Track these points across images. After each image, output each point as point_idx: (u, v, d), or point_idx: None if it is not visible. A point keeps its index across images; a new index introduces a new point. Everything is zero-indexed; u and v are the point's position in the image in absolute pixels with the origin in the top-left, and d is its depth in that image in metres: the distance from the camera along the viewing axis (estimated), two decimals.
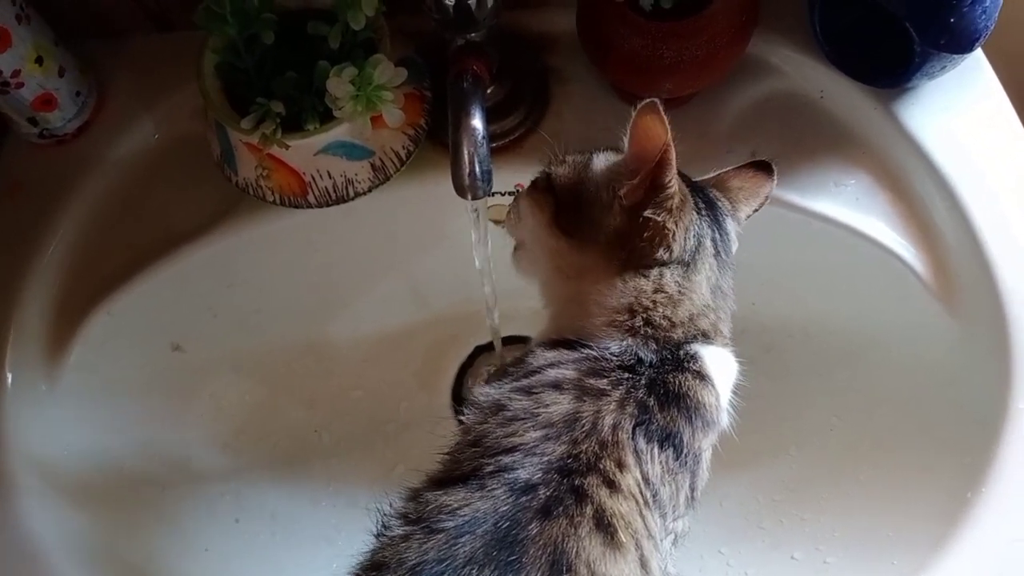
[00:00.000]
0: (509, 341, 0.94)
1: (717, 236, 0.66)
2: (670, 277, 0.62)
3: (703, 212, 0.65)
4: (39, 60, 0.78)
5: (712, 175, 0.71)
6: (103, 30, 0.87)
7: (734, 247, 0.68)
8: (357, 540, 0.90)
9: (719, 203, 0.68)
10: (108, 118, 0.86)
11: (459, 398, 0.98)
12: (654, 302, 0.61)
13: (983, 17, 0.73)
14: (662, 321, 0.61)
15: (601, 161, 0.67)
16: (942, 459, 0.77)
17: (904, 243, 0.81)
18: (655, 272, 0.62)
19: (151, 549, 0.83)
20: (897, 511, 0.79)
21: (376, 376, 0.99)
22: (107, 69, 0.87)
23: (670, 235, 0.62)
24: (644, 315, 0.61)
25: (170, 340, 0.90)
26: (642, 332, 0.61)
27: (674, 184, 0.60)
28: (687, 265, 0.63)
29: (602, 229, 0.63)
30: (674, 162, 0.59)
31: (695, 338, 0.62)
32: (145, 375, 0.89)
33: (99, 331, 0.82)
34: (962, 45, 0.75)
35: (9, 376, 0.80)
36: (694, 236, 0.63)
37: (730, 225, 0.68)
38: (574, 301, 0.64)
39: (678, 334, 0.62)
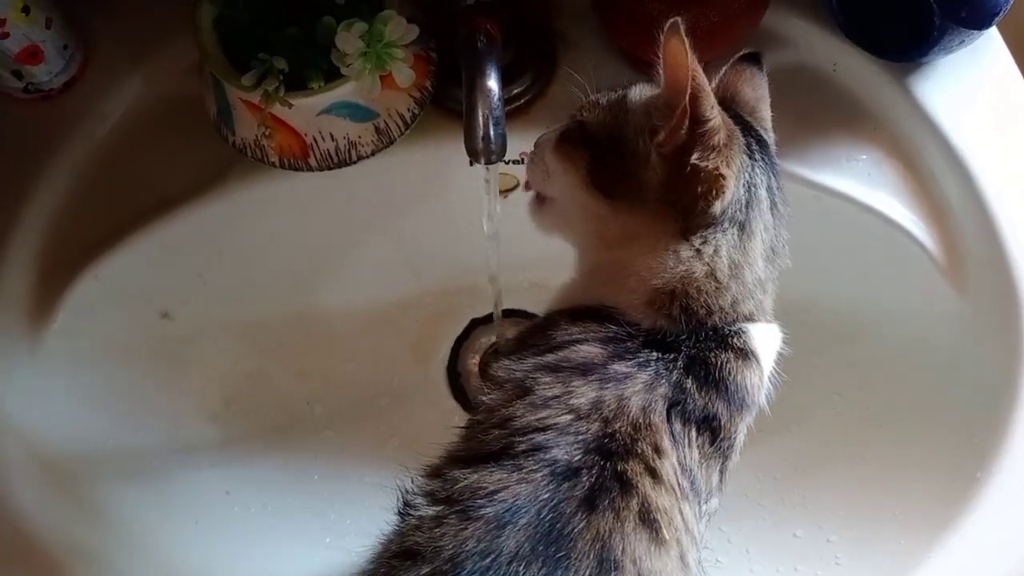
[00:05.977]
0: (508, 314, 0.92)
1: (773, 184, 0.59)
2: (725, 252, 0.56)
3: (755, 154, 0.57)
4: (25, 9, 0.74)
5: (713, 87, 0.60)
6: None
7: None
8: (348, 513, 0.88)
9: (767, 138, 0.60)
10: (97, 73, 0.82)
11: (454, 372, 0.96)
12: (698, 289, 0.56)
13: None
14: (700, 310, 0.56)
15: (637, 97, 0.59)
16: (949, 438, 0.77)
17: (915, 219, 0.80)
18: (710, 249, 0.55)
19: (139, 521, 0.81)
20: (903, 490, 0.79)
21: (369, 348, 0.96)
22: (97, 22, 0.83)
23: (725, 181, 0.54)
24: (684, 301, 0.56)
25: (158, 307, 0.87)
26: (680, 320, 0.56)
27: (716, 117, 0.53)
28: (741, 227, 0.56)
29: (648, 187, 0.56)
30: (707, 90, 0.52)
31: (734, 323, 0.58)
32: (132, 342, 0.86)
33: (85, 296, 0.79)
34: (981, 19, 0.74)
35: None
36: (744, 185, 0.56)
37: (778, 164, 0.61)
38: (613, 269, 0.58)
39: (715, 320, 0.57)
